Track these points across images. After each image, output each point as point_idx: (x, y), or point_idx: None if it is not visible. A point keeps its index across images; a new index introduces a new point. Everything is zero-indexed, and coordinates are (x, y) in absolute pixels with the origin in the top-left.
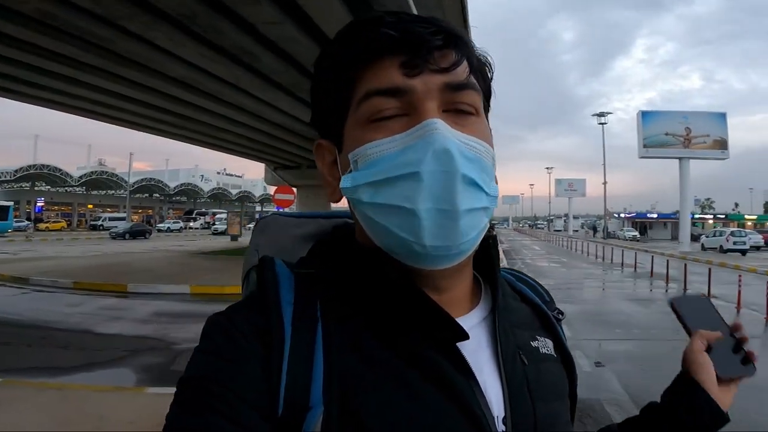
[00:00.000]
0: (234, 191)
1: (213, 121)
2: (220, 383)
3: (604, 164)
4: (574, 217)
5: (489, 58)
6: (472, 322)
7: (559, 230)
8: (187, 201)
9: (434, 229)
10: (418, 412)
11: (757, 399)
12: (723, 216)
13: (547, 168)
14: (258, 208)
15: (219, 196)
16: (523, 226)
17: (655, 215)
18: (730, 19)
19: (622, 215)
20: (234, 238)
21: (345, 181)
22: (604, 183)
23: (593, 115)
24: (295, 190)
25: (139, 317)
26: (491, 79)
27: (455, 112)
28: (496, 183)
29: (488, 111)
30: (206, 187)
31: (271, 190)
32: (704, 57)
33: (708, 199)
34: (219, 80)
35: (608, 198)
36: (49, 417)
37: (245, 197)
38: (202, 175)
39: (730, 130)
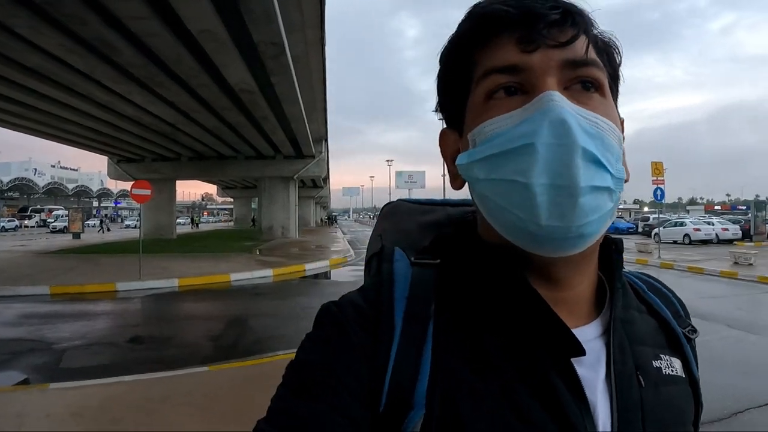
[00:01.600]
0: (70, 186)
1: (61, 112)
2: (326, 371)
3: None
4: None
5: (616, 40)
6: (592, 334)
7: None
8: (21, 197)
9: (551, 207)
10: (519, 427)
11: None
12: None
13: (388, 160)
14: (95, 204)
15: (55, 192)
16: (363, 217)
17: None
18: None
19: None
20: (76, 235)
21: (461, 158)
22: (443, 175)
23: (433, 111)
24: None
25: (7, 320)
26: (620, 63)
27: (577, 90)
28: (626, 169)
29: (617, 95)
30: (41, 182)
31: (110, 183)
32: None
33: None
34: (74, 70)
35: (447, 190)
36: None
37: (82, 192)
38: (36, 169)
39: None
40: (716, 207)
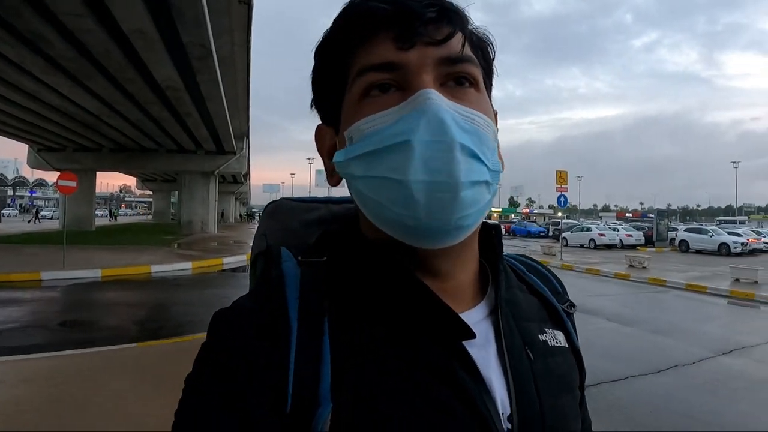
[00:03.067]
0: None
1: None
2: (226, 379)
3: None
4: None
5: (490, 36)
6: (479, 316)
7: None
8: None
9: (430, 203)
10: (422, 410)
11: None
12: None
13: (309, 158)
14: (11, 192)
15: None
16: None
17: None
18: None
19: None
20: None
21: (338, 156)
22: None
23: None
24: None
25: None
26: (493, 57)
27: (453, 86)
28: (501, 160)
29: (490, 89)
30: None
31: (26, 171)
32: None
33: None
34: (4, 59)
35: None
36: None
37: None
38: None
39: None
40: (628, 214)
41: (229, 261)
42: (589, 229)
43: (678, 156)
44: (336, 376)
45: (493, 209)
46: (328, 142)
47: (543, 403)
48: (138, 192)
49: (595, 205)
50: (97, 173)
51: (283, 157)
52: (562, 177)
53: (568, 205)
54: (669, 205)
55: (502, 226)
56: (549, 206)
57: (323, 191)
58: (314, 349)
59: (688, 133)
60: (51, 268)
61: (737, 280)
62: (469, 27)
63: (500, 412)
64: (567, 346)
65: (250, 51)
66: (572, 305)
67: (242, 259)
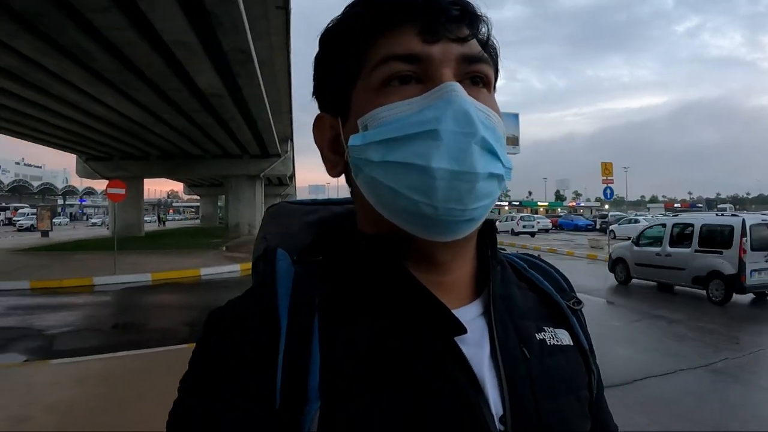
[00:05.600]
0: (35, 183)
1: (29, 111)
2: (216, 378)
3: None
4: None
5: (496, 42)
6: (474, 313)
7: None
8: None
9: (448, 191)
10: (412, 410)
11: None
12: (518, 203)
13: None
14: (61, 201)
15: (19, 189)
16: None
17: None
18: (531, 25)
19: None
20: (45, 233)
21: (355, 140)
22: None
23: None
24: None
25: None
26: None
27: (468, 84)
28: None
29: (494, 90)
30: (5, 179)
31: (75, 181)
32: (506, 58)
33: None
34: (46, 71)
35: None
36: None
37: (47, 190)
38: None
39: (530, 126)
40: (676, 205)
41: None
42: (637, 221)
43: (724, 142)
44: (325, 373)
45: (539, 203)
46: (328, 132)
47: (539, 404)
48: (185, 197)
49: (642, 196)
50: (145, 180)
51: None
52: (607, 169)
53: (614, 197)
54: (718, 194)
55: (549, 220)
56: (596, 199)
57: None
58: (303, 346)
59: (731, 118)
60: (102, 273)
61: None
62: (483, 29)
63: (493, 412)
64: (572, 344)
65: (290, 53)
66: (578, 302)
67: None
